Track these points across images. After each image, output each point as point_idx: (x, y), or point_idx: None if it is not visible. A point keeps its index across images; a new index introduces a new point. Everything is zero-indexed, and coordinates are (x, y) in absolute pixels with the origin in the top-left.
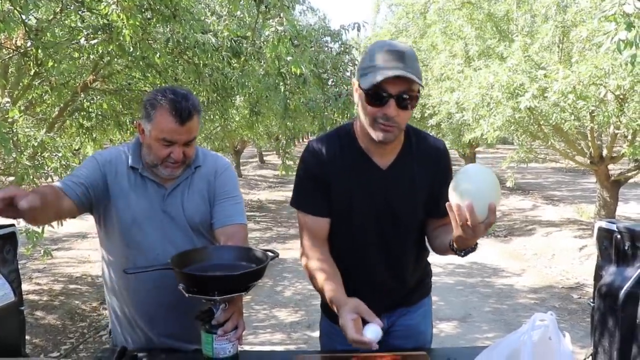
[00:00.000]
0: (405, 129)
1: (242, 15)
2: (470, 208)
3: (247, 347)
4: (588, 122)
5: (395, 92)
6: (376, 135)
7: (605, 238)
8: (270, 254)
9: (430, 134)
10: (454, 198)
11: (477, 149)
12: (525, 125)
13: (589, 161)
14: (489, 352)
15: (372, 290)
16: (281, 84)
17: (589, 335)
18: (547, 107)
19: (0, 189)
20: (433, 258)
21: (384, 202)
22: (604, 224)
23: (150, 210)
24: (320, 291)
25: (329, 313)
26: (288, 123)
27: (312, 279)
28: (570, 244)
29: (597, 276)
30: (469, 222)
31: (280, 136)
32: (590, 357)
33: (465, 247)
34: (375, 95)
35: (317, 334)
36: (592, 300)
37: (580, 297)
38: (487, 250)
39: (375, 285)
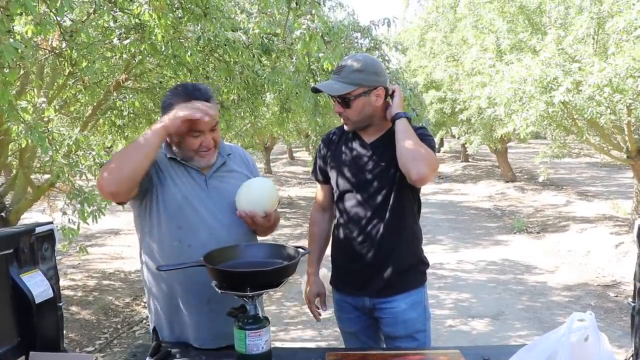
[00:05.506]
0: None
1: (272, 12)
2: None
3: (278, 344)
4: (625, 115)
5: (337, 95)
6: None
7: None
8: (301, 250)
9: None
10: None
11: (508, 144)
12: (559, 120)
13: (625, 156)
14: (525, 353)
15: (358, 262)
16: (311, 80)
17: (627, 335)
18: (581, 101)
19: None
20: (464, 254)
21: (364, 167)
22: None
23: (197, 192)
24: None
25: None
26: (318, 119)
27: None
28: (606, 241)
29: (638, 275)
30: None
31: (310, 132)
32: (632, 359)
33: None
34: (331, 98)
35: None
36: (632, 300)
37: (617, 296)
38: (520, 247)
39: (359, 255)
